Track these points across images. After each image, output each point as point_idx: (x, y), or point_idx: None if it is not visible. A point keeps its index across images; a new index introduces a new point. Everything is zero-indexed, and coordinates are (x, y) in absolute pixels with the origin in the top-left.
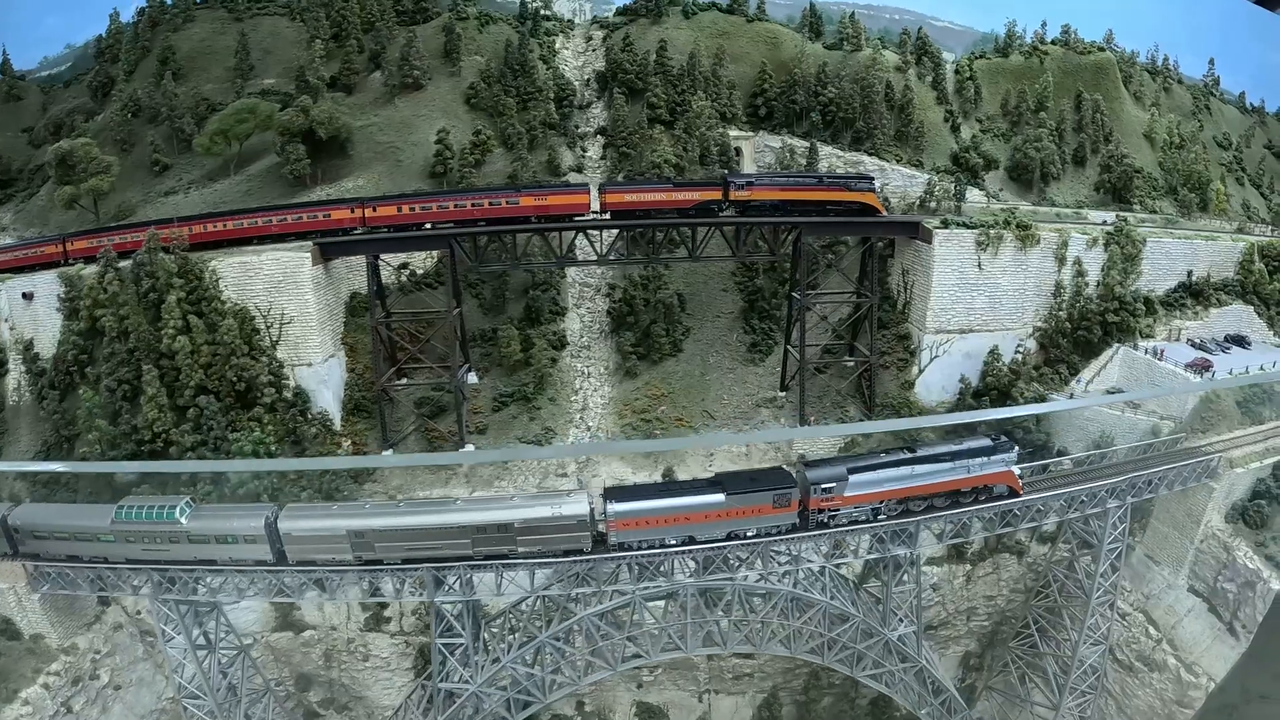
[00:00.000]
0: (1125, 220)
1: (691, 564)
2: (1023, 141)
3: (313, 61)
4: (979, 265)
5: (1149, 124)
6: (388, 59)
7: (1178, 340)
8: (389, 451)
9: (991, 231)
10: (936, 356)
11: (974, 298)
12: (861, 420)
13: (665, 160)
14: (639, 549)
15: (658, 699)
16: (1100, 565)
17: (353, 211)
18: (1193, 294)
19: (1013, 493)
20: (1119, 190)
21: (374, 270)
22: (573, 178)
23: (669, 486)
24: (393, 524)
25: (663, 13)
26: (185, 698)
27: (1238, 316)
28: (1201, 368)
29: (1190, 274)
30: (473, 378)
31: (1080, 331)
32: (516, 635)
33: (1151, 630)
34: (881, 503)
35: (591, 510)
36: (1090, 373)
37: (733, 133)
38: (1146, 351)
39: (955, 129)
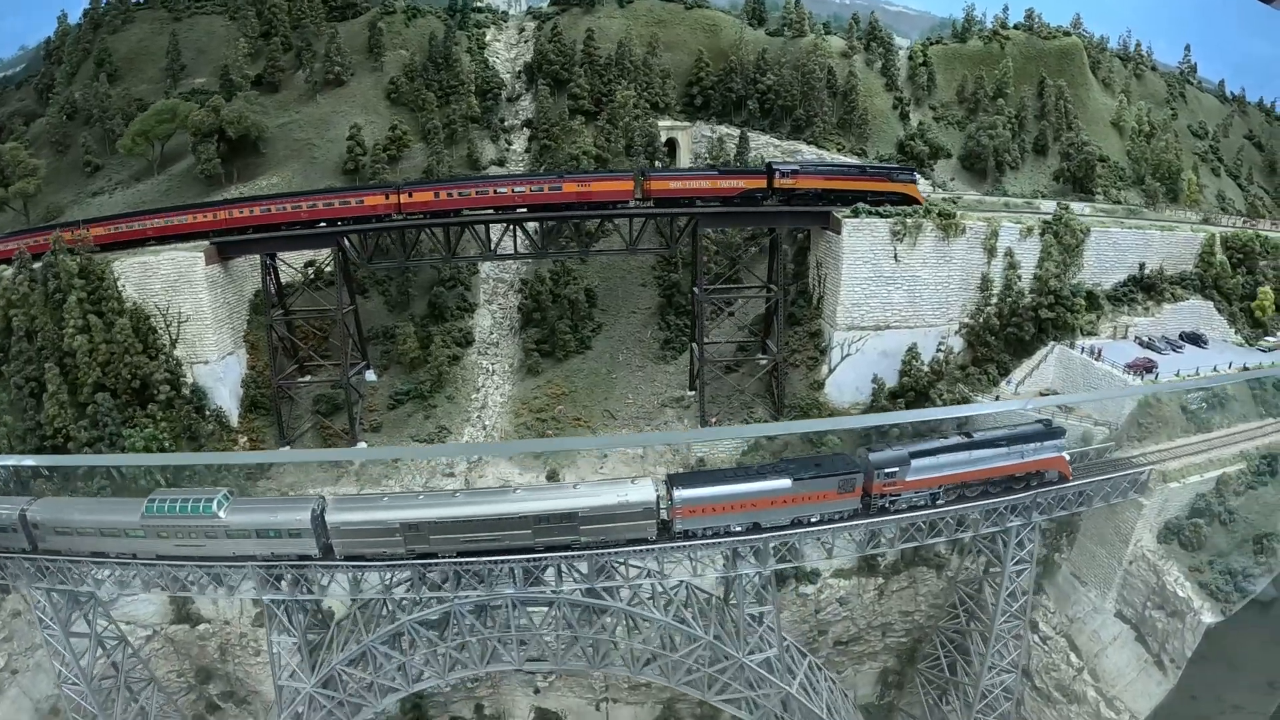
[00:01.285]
0: (1067, 209)
1: (520, 574)
2: (976, 129)
3: (236, 60)
4: (895, 257)
5: (1117, 111)
6: (310, 57)
7: (1124, 338)
8: (286, 448)
9: (908, 221)
10: (848, 355)
11: (890, 292)
12: (769, 422)
13: (584, 152)
14: (704, 537)
15: (556, 705)
16: (1003, 588)
17: (388, 197)
18: (1144, 288)
19: (1063, 478)
20: (1080, 179)
21: (267, 269)
22: (492, 170)
23: (735, 473)
24: (450, 515)
25: (595, 2)
26: (65, 685)
27: (1195, 313)
28: (1143, 369)
29: (1142, 267)
30: (371, 375)
31: (1010, 329)
32: (352, 638)
33: (1073, 657)
34: (940, 488)
35: (658, 498)
36: (1021, 373)
37: (666, 123)
38: (1083, 350)
39: (904, 116)
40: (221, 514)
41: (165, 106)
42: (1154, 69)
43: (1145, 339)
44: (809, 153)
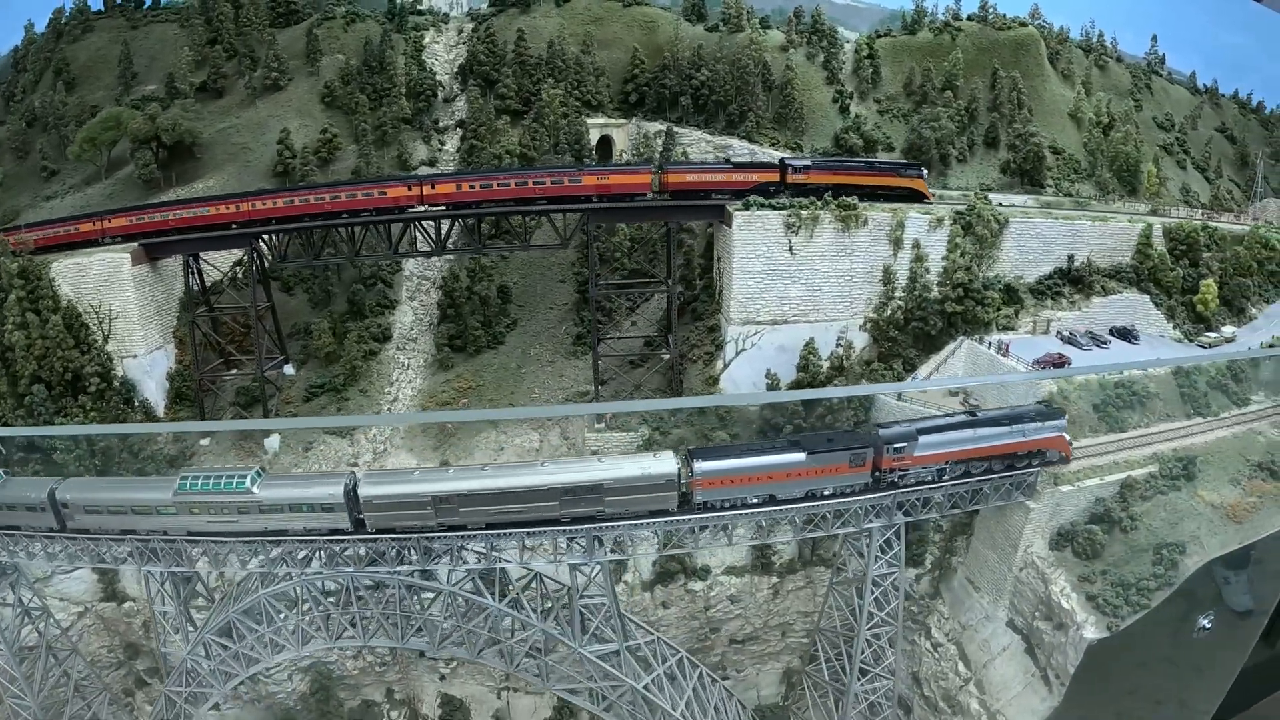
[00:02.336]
0: (984, 198)
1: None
2: (919, 121)
3: (181, 68)
4: (790, 250)
5: (1075, 103)
6: (249, 64)
7: (1046, 333)
8: (206, 440)
9: (804, 213)
10: (743, 349)
11: (787, 285)
12: (672, 415)
13: (508, 151)
14: (722, 508)
15: (460, 692)
16: (867, 594)
17: (410, 189)
18: (1071, 281)
19: (1063, 458)
20: (1027, 172)
21: (189, 269)
22: (423, 170)
23: (751, 447)
24: (480, 487)
25: (530, 2)
26: None
27: (1130, 306)
28: (1052, 365)
29: (1071, 259)
30: (289, 370)
31: (916, 323)
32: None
33: (961, 667)
34: (946, 463)
35: (679, 470)
36: (928, 369)
37: (600, 120)
38: (990, 346)
39: (844, 110)
40: (255, 489)
41: (110, 115)
42: (1119, 60)
43: (1067, 334)
44: (740, 148)
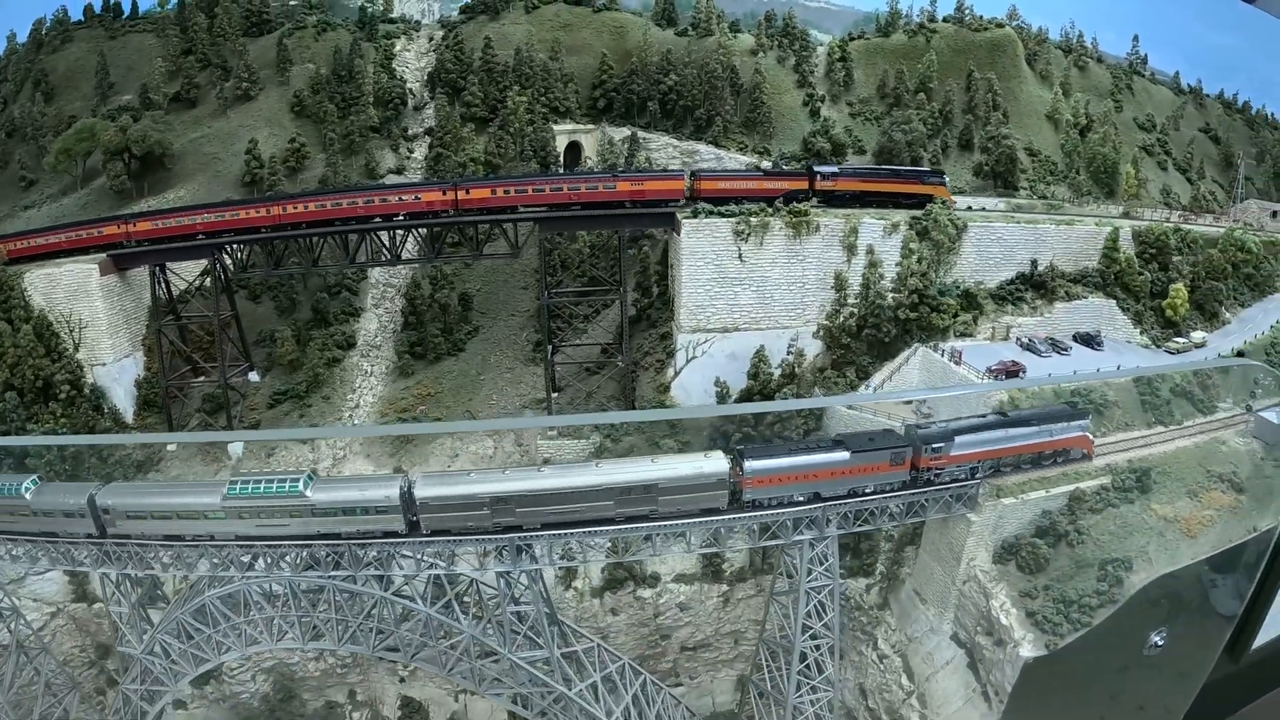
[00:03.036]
0: (942, 203)
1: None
2: (890, 124)
3: (154, 79)
4: (740, 257)
5: (1052, 104)
6: (220, 75)
7: (1006, 339)
8: (173, 446)
9: (753, 220)
10: (694, 357)
11: (738, 293)
12: (624, 422)
13: (472, 159)
14: (769, 506)
15: (420, 694)
16: (801, 606)
17: (444, 194)
18: (1034, 286)
19: (1086, 456)
20: (1001, 174)
21: (155, 279)
22: (390, 180)
23: (796, 446)
24: (537, 487)
25: (500, 9)
26: None
27: (1095, 311)
28: (1006, 373)
29: (1034, 264)
30: (254, 376)
31: (869, 330)
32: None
33: (905, 680)
34: (979, 462)
35: (730, 469)
36: (881, 376)
37: (569, 126)
38: (943, 353)
39: (814, 114)
40: (309, 493)
41: (85, 126)
42: (1099, 60)
43: (1026, 340)
44: (707, 153)
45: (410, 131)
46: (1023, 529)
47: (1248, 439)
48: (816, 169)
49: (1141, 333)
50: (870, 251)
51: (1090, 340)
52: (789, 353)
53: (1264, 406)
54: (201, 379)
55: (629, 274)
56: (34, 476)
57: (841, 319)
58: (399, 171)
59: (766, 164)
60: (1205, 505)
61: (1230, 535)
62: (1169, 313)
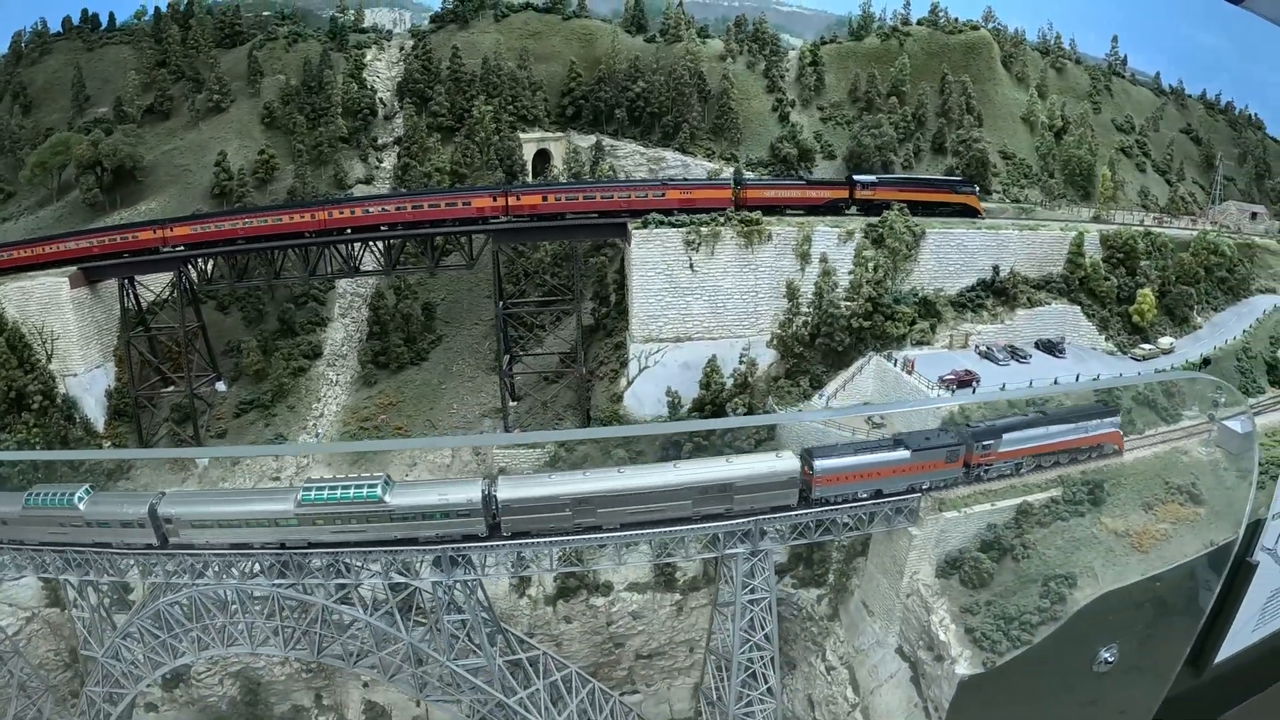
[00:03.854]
0: (902, 209)
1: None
2: (860, 128)
3: (128, 91)
4: (691, 267)
5: (1028, 106)
6: (192, 87)
7: (965, 347)
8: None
9: (704, 229)
10: (646, 367)
11: (689, 303)
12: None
13: (438, 169)
14: (836, 503)
15: (383, 699)
16: (738, 619)
17: (495, 200)
18: (995, 293)
19: (1117, 451)
20: (972, 177)
21: (124, 292)
22: (359, 190)
23: (860, 445)
24: (619, 488)
25: (469, 18)
26: None
27: (1059, 318)
28: (959, 384)
29: (996, 270)
30: (221, 386)
31: (823, 339)
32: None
33: (850, 692)
34: (1023, 458)
35: (799, 468)
36: (835, 386)
37: (537, 134)
38: (896, 363)
39: (784, 119)
40: (387, 498)
41: (59, 139)
42: (1077, 62)
43: (984, 348)
44: (673, 160)
45: (380, 141)
46: (967, 542)
47: (1210, 449)
48: (857, 179)
49: (1106, 339)
50: (824, 259)
51: (1052, 347)
52: (741, 362)
53: (1228, 415)
54: (170, 389)
55: (587, 283)
56: (86, 486)
57: (794, 328)
58: (368, 182)
59: (727, 172)
60: (1160, 518)
61: (1185, 549)
62: (1136, 318)
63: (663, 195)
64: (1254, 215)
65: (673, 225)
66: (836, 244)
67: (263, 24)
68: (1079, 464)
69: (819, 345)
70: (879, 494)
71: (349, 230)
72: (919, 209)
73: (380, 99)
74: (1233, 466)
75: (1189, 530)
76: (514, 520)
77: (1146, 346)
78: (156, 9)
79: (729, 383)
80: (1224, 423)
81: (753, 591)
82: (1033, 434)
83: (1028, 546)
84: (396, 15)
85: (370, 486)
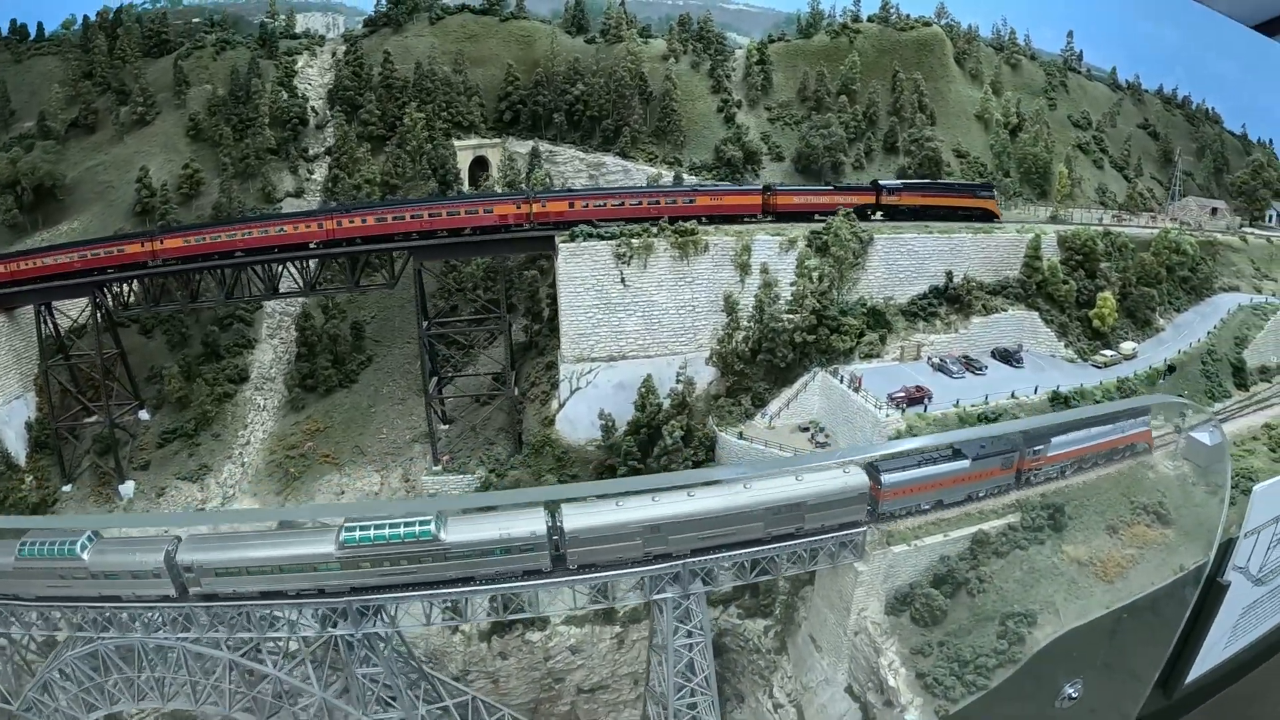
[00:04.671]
0: (847, 214)
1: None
2: (808, 128)
3: (51, 105)
4: (622, 281)
5: (982, 103)
6: (115, 100)
7: (917, 359)
8: (68, 487)
9: (634, 241)
10: (578, 388)
11: (622, 319)
12: (510, 457)
13: (368, 180)
14: (900, 516)
15: None
16: (670, 665)
17: (519, 207)
18: (949, 300)
19: (1148, 449)
20: (925, 177)
21: (41, 319)
22: (288, 203)
23: (921, 458)
24: (691, 512)
25: (403, 22)
26: None
27: (1017, 325)
28: (908, 401)
29: (949, 276)
30: (145, 415)
31: (764, 355)
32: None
33: None
34: (1068, 461)
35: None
36: (778, 404)
37: (473, 141)
38: (843, 380)
39: (729, 120)
40: (443, 535)
41: None
42: (1032, 58)
43: (937, 360)
44: (614, 165)
45: (311, 152)
46: (919, 576)
47: (1177, 462)
48: (882, 184)
49: (1066, 346)
50: (765, 270)
51: (1009, 357)
52: (678, 381)
53: (1194, 425)
54: (93, 419)
55: (520, 299)
56: (89, 533)
57: (734, 343)
58: (298, 195)
59: (668, 176)
60: (1126, 542)
61: (1153, 576)
62: (1097, 323)
63: (692, 202)
64: (1214, 211)
65: (601, 238)
66: (778, 253)
67: (191, 32)
68: (1113, 464)
69: (761, 361)
70: (939, 504)
71: (358, 241)
72: (939, 214)
73: (312, 107)
74: (1201, 481)
75: (1157, 555)
76: (581, 552)
77: (1108, 353)
78: (85, 18)
79: (666, 403)
80: (1191, 434)
81: (689, 635)
82: (1078, 436)
83: (984, 580)
84: (330, 20)
85: (423, 523)
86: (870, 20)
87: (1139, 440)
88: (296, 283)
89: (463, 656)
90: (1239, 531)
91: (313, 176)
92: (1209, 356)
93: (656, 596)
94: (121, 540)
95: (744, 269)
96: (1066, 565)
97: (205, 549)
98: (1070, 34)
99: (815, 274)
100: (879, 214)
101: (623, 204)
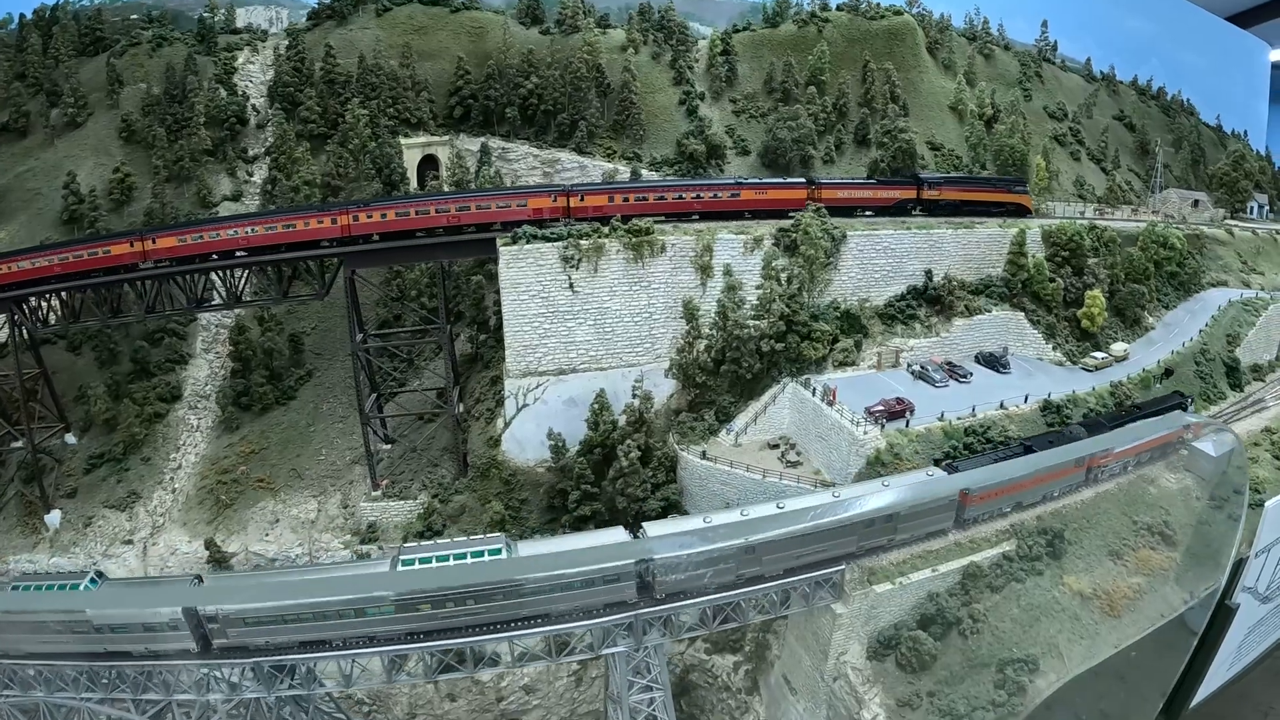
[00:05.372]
0: (819, 211)
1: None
2: (775, 121)
3: None
4: (571, 287)
5: (955, 94)
6: (44, 103)
7: (896, 366)
8: None
9: (584, 243)
10: (525, 405)
11: (572, 329)
12: (454, 480)
13: (306, 182)
14: (981, 522)
15: None
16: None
17: (554, 200)
18: (929, 301)
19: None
20: (898, 170)
21: None
22: (225, 207)
23: (996, 457)
24: (786, 532)
25: (347, 14)
26: None
27: (1002, 326)
28: (888, 415)
29: (929, 275)
30: (70, 439)
31: (729, 365)
32: None
33: None
34: (1129, 458)
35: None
36: (745, 419)
37: (422, 139)
38: (815, 391)
39: (692, 113)
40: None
41: None
42: (1006, 48)
43: (918, 367)
44: (569, 161)
45: (250, 152)
46: (904, 616)
47: (1180, 475)
48: (923, 178)
49: (1054, 348)
50: (728, 272)
51: (995, 361)
52: (635, 395)
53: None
54: (18, 444)
55: (465, 307)
56: (90, 576)
57: (696, 353)
58: (236, 198)
59: (624, 173)
60: (1131, 569)
61: (1161, 607)
62: (1085, 323)
63: (737, 195)
64: (1196, 203)
65: (547, 239)
66: (741, 254)
67: (128, 29)
68: (1156, 461)
69: (725, 372)
70: (1017, 506)
71: (375, 237)
72: (975, 210)
73: (253, 106)
74: (1206, 496)
75: (1165, 581)
76: (671, 581)
77: (1099, 355)
78: (21, 16)
79: (621, 420)
80: (1194, 446)
81: (648, 689)
82: (1135, 430)
83: (977, 619)
84: (274, 14)
85: (493, 548)
86: (839, 9)
87: (1185, 435)
88: (220, 295)
89: (408, 699)
90: (1250, 550)
91: (252, 178)
92: (1202, 356)
93: (606, 651)
94: (126, 591)
95: (705, 271)
96: (1069, 600)
97: (228, 597)
98: (1045, 24)
99: (783, 275)
100: (918, 209)
101: (665, 198)
